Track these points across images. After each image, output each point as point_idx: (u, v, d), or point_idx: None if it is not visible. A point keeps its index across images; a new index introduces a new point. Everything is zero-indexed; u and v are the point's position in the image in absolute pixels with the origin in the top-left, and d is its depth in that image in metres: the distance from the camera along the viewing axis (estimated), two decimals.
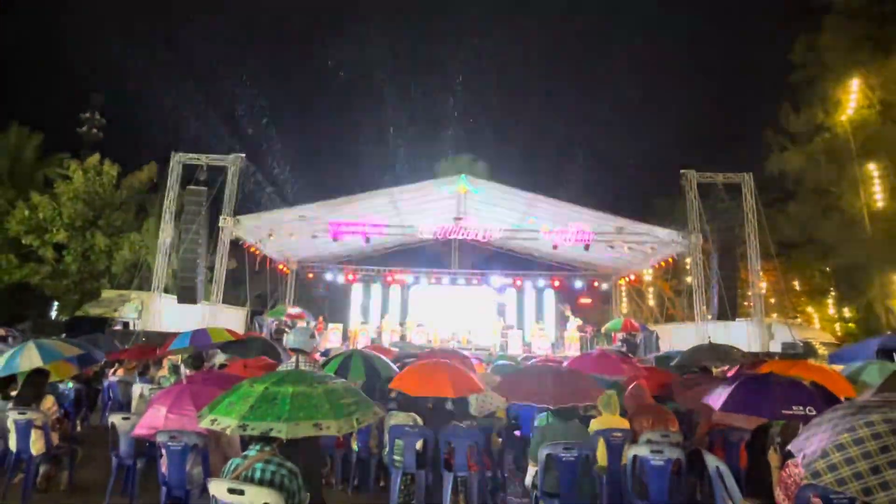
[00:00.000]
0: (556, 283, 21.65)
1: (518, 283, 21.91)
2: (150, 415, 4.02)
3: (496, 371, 7.47)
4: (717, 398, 3.94)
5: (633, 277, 20.36)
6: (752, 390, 3.83)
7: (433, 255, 23.61)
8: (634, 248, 16.58)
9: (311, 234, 16.55)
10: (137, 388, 6.16)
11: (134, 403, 5.91)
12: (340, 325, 18.82)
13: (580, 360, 6.50)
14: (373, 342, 18.62)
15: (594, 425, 4.85)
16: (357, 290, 22.16)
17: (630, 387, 5.35)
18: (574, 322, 18.41)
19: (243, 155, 15.35)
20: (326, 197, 16.23)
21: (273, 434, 2.80)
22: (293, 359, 4.84)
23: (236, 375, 4.56)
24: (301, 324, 17.97)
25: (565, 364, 6.08)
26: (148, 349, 7.91)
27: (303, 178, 31.26)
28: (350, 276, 21.55)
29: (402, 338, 18.89)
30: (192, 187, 14.84)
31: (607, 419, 4.88)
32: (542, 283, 21.87)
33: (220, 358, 6.60)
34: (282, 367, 4.82)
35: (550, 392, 4.60)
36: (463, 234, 16.71)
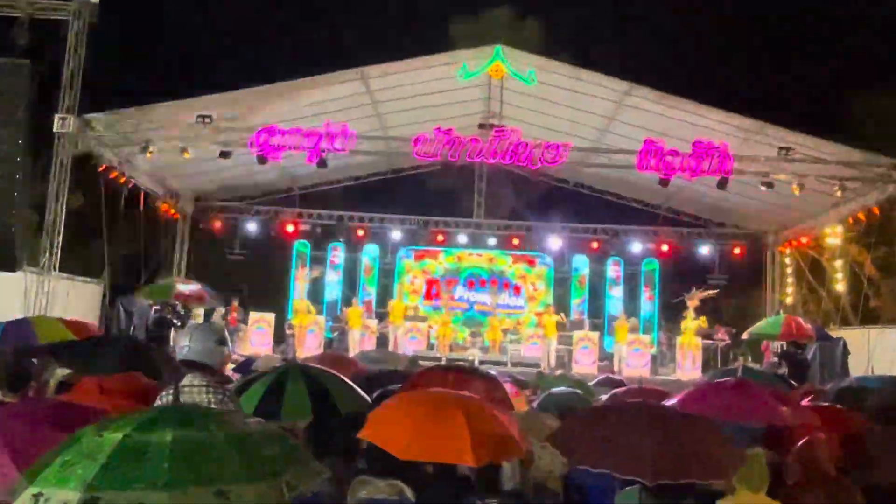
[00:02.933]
0: (665, 248, 22.15)
1: (595, 246, 22.49)
2: None
3: (549, 406, 7.55)
4: None
5: (804, 241, 20.53)
6: None
7: (442, 194, 24.56)
8: (810, 186, 16.60)
9: (220, 149, 16.68)
10: None
11: None
12: (271, 316, 19.36)
13: (703, 394, 6.39)
14: (328, 347, 19.42)
15: None
16: (303, 253, 23.35)
17: (798, 444, 5.29)
18: (695, 320, 18.58)
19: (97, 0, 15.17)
20: (249, 82, 16.66)
21: None
22: (185, 379, 4.84)
23: (88, 407, 4.55)
24: (200, 313, 18.55)
25: (675, 399, 6.02)
26: None
27: (208, 46, 30.82)
28: (290, 227, 22.19)
29: (382, 341, 19.43)
30: (2, 60, 15.08)
31: (747, 501, 4.85)
32: (637, 246, 22.34)
33: (57, 373, 6.61)
34: (163, 395, 4.81)
35: (647, 454, 4.48)
36: (495, 156, 16.79)
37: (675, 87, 16.83)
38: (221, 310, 18.55)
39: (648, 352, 19.16)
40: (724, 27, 31.10)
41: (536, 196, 23.42)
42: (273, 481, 3.01)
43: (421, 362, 13.21)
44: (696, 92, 16.78)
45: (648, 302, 22.66)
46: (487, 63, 16.89)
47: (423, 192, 23.61)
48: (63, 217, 15.38)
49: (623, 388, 8.72)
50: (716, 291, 19.47)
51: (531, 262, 22.86)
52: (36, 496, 2.81)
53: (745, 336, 15.60)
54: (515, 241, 22.54)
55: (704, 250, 21.93)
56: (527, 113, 19.20)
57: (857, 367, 14.98)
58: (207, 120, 16.01)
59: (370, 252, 22.93)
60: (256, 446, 3.11)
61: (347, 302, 20.80)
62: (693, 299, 18.73)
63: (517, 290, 22.81)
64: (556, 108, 18.47)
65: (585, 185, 22.67)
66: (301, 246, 22.82)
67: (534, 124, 19.55)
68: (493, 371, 8.01)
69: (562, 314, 20.03)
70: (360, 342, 18.64)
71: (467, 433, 4.43)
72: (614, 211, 22.94)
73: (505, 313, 21.77)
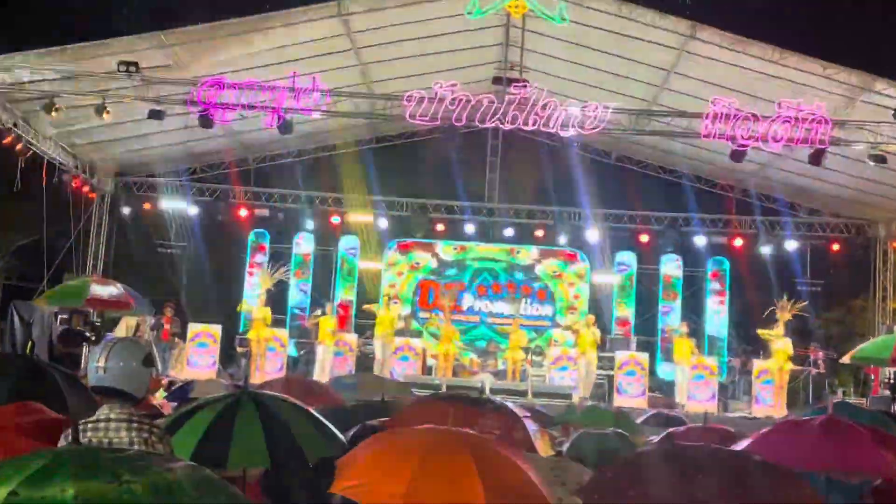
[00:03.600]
0: (739, 243, 22.32)
1: (645, 240, 22.66)
2: None
3: (582, 450, 7.50)
4: None
5: None
6: None
7: (443, 171, 24.32)
8: None
9: (150, 107, 16.67)
10: None
11: None
12: (217, 329, 19.34)
13: (786, 436, 6.38)
14: (293, 370, 19.71)
15: None
16: (260, 245, 23.36)
17: None
18: (785, 339, 18.24)
19: None
20: (188, 18, 16.75)
21: None
22: (99, 411, 4.82)
23: None
24: (123, 326, 18.48)
25: (749, 442, 6.00)
26: None
27: None
28: (243, 212, 22.39)
29: (364, 363, 19.41)
30: None
31: None
32: (701, 240, 22.63)
33: None
34: (67, 434, 4.77)
35: None
36: (514, 121, 16.77)
37: (753, 29, 16.80)
38: (150, 320, 18.53)
39: (715, 380, 19.11)
40: None
41: (568, 173, 23.23)
42: None
43: (415, 391, 13.20)
44: (781, 36, 16.71)
45: (716, 314, 22.63)
46: None
47: (418, 168, 23.55)
48: None
49: (681, 428, 8.70)
50: (804, 303, 19.23)
51: (563, 258, 22.99)
52: None
53: (845, 360, 15.46)
54: (540, 233, 22.55)
55: (791, 246, 21.98)
56: (556, 64, 19.10)
57: None
58: (133, 69, 15.93)
59: (349, 245, 22.95)
60: (187, 499, 3.05)
61: (319, 306, 20.82)
62: (785, 311, 18.41)
63: (542, 295, 22.85)
64: (594, 56, 18.39)
65: (634, 159, 22.65)
66: (258, 236, 22.81)
67: (565, 79, 19.42)
68: (509, 403, 7.98)
69: (595, 328, 19.95)
70: (334, 363, 18.64)
71: (478, 486, 4.39)
72: (671, 194, 22.98)
73: (527, 326, 21.82)
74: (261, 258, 22.54)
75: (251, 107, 16.60)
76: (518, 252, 23.17)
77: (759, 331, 18.54)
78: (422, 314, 22.78)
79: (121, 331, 18.22)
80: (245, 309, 20.10)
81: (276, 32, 16.85)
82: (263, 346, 18.80)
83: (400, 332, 20.39)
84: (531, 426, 7.16)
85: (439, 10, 17.28)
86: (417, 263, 23.22)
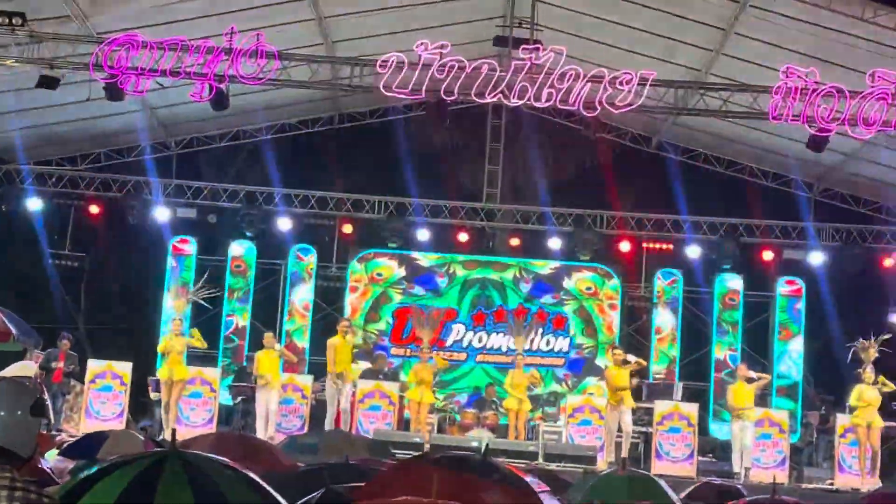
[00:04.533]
0: (818, 258, 22.11)
1: (692, 254, 22.75)
2: None
3: None
4: None
5: None
6: None
7: (427, 160, 24.26)
8: None
9: (41, 72, 16.67)
10: None
11: None
12: (127, 367, 19.03)
13: None
14: (227, 423, 19.86)
15: None
16: (183, 256, 23.29)
17: None
18: (876, 386, 18.01)
19: None
20: None
21: None
22: None
23: None
24: (15, 367, 18.16)
25: None
26: None
27: None
28: (161, 213, 22.35)
29: (322, 413, 19.25)
30: None
31: None
32: (766, 254, 22.68)
33: None
34: None
35: None
36: (522, 96, 16.79)
37: None
38: (39, 354, 18.41)
39: (786, 440, 19.08)
40: None
41: (593, 165, 23.15)
42: None
43: (392, 451, 13.10)
44: None
45: (788, 352, 22.64)
46: None
47: (395, 156, 23.35)
48: None
49: (741, 503, 8.69)
50: (888, 336, 19.15)
51: (598, 271, 23.11)
52: None
53: None
54: (555, 243, 22.54)
55: (889, 263, 21.98)
56: (578, 20, 19.17)
57: None
58: (17, 20, 15.96)
59: (302, 255, 22.86)
60: None
61: (260, 342, 20.69)
62: (868, 350, 18.43)
63: (560, 323, 22.86)
64: (628, 10, 18.42)
65: (680, 147, 22.73)
66: (181, 245, 22.69)
67: (590, 40, 19.46)
68: (515, 466, 7.96)
69: (630, 362, 19.72)
70: (280, 415, 18.57)
71: None
72: (729, 193, 22.97)
73: (540, 364, 21.82)
74: (185, 273, 22.36)
75: (174, 73, 16.61)
76: (526, 265, 23.12)
77: (882, 379, 18.36)
78: (395, 350, 22.65)
79: (10, 371, 18.11)
80: (165, 350, 19.76)
81: None
82: (183, 390, 18.61)
83: (371, 374, 20.27)
84: (547, 501, 7.15)
85: None
86: (379, 275, 23.15)
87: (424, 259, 23.23)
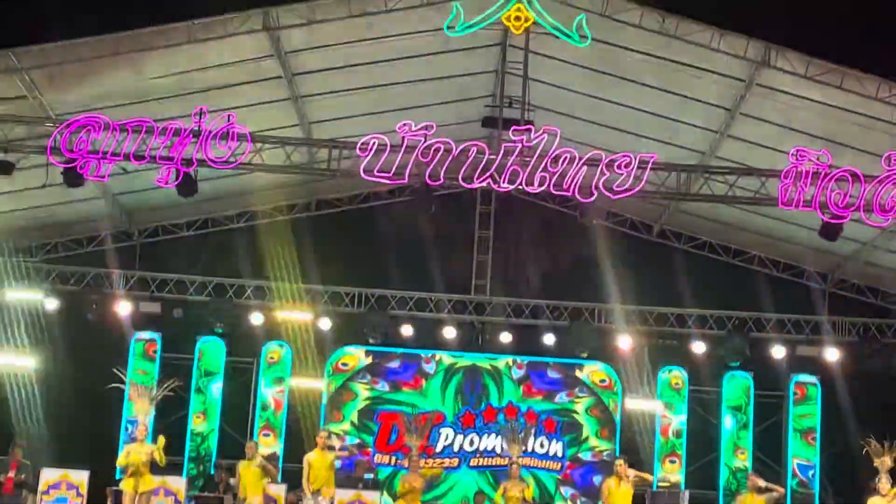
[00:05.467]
0: (833, 355, 21.97)
1: (700, 350, 22.66)
2: None
3: None
4: None
5: None
6: None
7: (411, 249, 23.91)
8: None
9: None
10: None
11: None
12: (83, 476, 18.67)
13: None
14: None
15: None
16: (147, 354, 22.87)
17: None
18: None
19: None
20: (54, 28, 16.43)
21: None
22: None
23: None
24: None
25: None
26: None
27: None
28: (123, 307, 22.17)
29: None
30: None
31: None
32: (778, 351, 22.42)
33: None
34: None
35: None
36: (513, 181, 16.72)
37: (847, 54, 16.80)
38: None
39: None
40: None
41: (590, 255, 22.92)
42: None
43: None
44: (887, 64, 16.72)
45: (803, 457, 22.49)
46: (501, 2, 16.69)
47: (374, 245, 23.25)
48: None
49: None
50: None
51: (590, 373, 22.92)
52: None
53: None
54: (549, 339, 22.36)
55: None
56: (573, 100, 19.30)
57: None
58: None
59: (275, 353, 22.64)
60: None
61: (230, 448, 20.38)
62: (883, 457, 18.19)
63: (550, 426, 22.64)
64: (628, 90, 18.57)
65: (684, 235, 22.82)
66: (145, 342, 22.48)
67: (586, 121, 19.54)
68: None
69: (641, 475, 19.37)
70: None
71: None
72: (737, 285, 22.94)
73: (537, 467, 21.61)
74: (149, 372, 22.10)
75: (138, 157, 16.48)
76: (518, 363, 22.91)
77: (874, 458, 18.07)
78: (380, 458, 22.33)
79: None
80: (127, 463, 19.17)
81: (178, 52, 16.89)
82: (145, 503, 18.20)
83: (351, 482, 19.93)
84: None
85: (407, 24, 17.41)
86: (345, 364, 22.91)
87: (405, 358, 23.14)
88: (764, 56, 16.78)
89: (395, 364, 23.04)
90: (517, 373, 22.91)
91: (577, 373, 22.93)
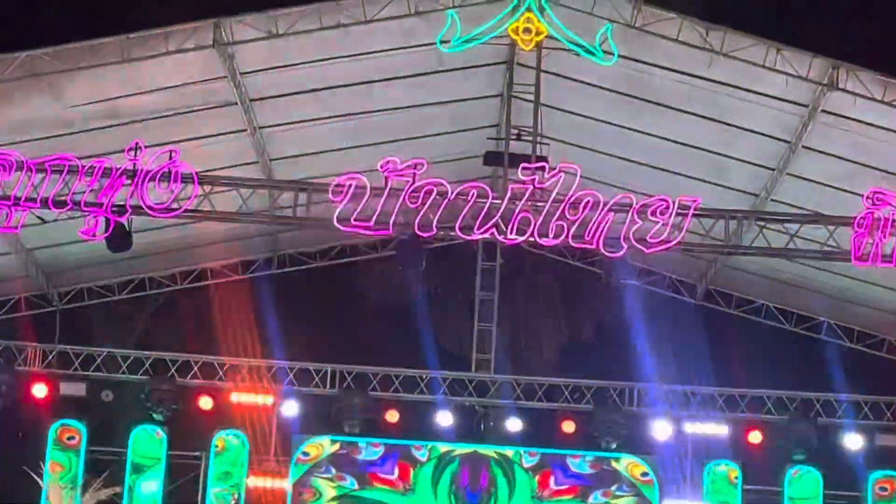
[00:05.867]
0: None
1: (753, 440, 22.52)
2: None
3: None
4: None
5: None
6: None
7: (395, 314, 24.05)
8: None
9: None
10: None
11: None
12: None
13: None
14: None
15: None
16: (68, 442, 22.70)
17: None
18: None
19: None
20: None
21: None
22: None
23: None
24: None
25: None
26: None
27: None
28: (39, 389, 21.73)
29: None
30: None
31: None
32: (854, 441, 22.26)
33: None
34: None
35: None
36: (522, 231, 16.70)
37: None
38: None
39: None
40: None
41: (619, 322, 22.93)
42: None
43: None
44: None
45: None
46: (507, 11, 16.80)
47: (350, 311, 23.24)
48: None
49: None
50: None
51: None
52: None
53: None
54: (569, 427, 22.35)
55: None
56: (592, 129, 19.42)
57: None
58: None
59: (227, 445, 22.57)
60: None
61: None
62: None
63: None
64: (664, 119, 18.67)
65: (733, 297, 22.88)
66: (67, 431, 22.37)
67: (610, 155, 19.71)
68: None
69: None
70: None
71: None
72: (801, 359, 22.95)
73: None
74: (71, 470, 22.03)
75: (59, 203, 16.45)
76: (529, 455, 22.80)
77: None
78: None
79: None
80: None
81: (108, 73, 16.93)
82: None
83: None
84: None
85: (391, 38, 17.52)
86: (306, 455, 22.62)
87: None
88: (830, 76, 16.79)
89: (370, 454, 22.82)
90: (529, 461, 22.71)
91: (614, 465, 22.73)
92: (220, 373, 22.69)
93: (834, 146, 18.05)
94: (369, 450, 22.65)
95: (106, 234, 16.69)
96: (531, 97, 17.77)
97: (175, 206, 16.65)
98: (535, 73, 17.56)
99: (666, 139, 19.11)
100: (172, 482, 22.90)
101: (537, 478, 22.59)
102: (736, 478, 22.76)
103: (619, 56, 16.54)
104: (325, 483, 22.62)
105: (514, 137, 18.44)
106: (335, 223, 16.79)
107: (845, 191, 17.79)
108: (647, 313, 22.72)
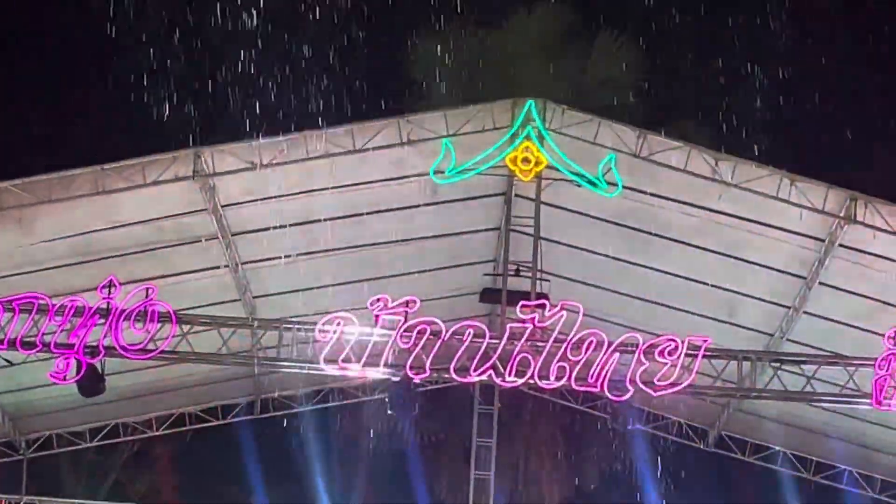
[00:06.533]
0: None
1: None
2: None
3: None
4: None
5: None
6: None
7: (387, 463, 23.85)
8: None
9: None
10: None
11: None
12: None
13: None
14: None
15: None
16: None
17: None
18: None
19: None
20: None
21: None
22: None
23: None
24: None
25: None
26: None
27: None
28: None
29: None
30: None
31: None
32: None
33: None
34: None
35: None
36: (522, 373, 16.66)
37: None
38: None
39: None
40: None
41: (626, 471, 23.01)
42: None
43: None
44: None
45: None
46: (504, 139, 17.02)
47: (338, 458, 23.26)
48: None
49: None
50: None
51: None
52: None
53: None
54: None
55: None
56: (596, 265, 19.44)
57: None
58: None
59: None
60: None
61: None
62: None
63: None
64: (672, 253, 18.71)
65: (747, 443, 22.66)
66: None
67: (614, 292, 19.70)
68: None
69: None
70: None
71: None
72: None
73: None
74: None
75: (27, 344, 16.38)
76: None
77: None
78: None
79: None
80: None
81: (80, 206, 16.92)
82: None
83: None
84: None
85: (381, 168, 17.56)
86: None
87: None
88: (848, 209, 16.77)
89: None
90: None
91: None
92: None
93: (852, 282, 18.00)
94: None
95: (77, 378, 16.62)
96: (530, 230, 17.79)
97: (151, 346, 16.59)
98: (535, 205, 17.63)
99: (674, 275, 19.11)
100: None
101: None
102: None
103: (624, 187, 16.60)
104: None
105: (512, 273, 18.35)
106: (322, 365, 16.71)
107: (865, 330, 17.71)
108: (656, 461, 22.66)
